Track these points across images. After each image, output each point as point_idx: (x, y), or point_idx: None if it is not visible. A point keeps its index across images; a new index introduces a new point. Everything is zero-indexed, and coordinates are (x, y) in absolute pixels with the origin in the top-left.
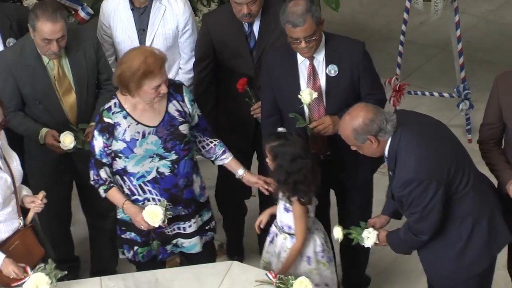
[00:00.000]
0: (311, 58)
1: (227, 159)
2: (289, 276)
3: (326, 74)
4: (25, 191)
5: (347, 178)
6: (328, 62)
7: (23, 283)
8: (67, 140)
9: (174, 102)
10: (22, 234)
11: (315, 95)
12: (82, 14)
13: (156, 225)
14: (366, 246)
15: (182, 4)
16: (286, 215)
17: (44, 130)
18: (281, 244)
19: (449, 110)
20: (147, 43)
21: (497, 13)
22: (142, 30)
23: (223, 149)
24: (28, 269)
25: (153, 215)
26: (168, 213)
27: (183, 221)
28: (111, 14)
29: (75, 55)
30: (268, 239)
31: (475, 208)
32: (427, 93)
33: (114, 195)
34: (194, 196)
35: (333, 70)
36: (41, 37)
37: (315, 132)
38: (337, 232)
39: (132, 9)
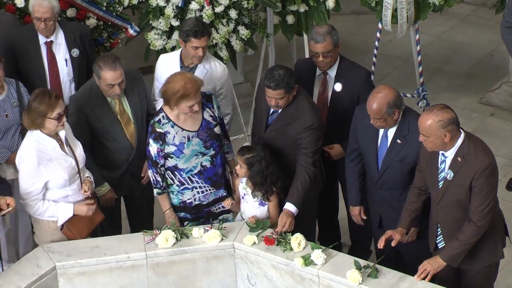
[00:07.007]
0: (325, 73)
1: (228, 158)
2: (287, 233)
3: (333, 89)
4: (87, 173)
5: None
6: (336, 80)
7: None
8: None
9: (207, 109)
10: None
11: None
12: (131, 31)
13: (160, 247)
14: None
15: (221, 69)
16: (259, 209)
17: (106, 187)
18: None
19: (411, 107)
20: None
21: (448, 33)
22: None
23: (228, 149)
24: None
25: (164, 240)
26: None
27: (223, 200)
28: (163, 68)
29: (130, 95)
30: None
31: None
32: None
33: (163, 200)
34: (227, 181)
35: (339, 86)
36: (105, 83)
37: None
38: None
39: (181, 67)
